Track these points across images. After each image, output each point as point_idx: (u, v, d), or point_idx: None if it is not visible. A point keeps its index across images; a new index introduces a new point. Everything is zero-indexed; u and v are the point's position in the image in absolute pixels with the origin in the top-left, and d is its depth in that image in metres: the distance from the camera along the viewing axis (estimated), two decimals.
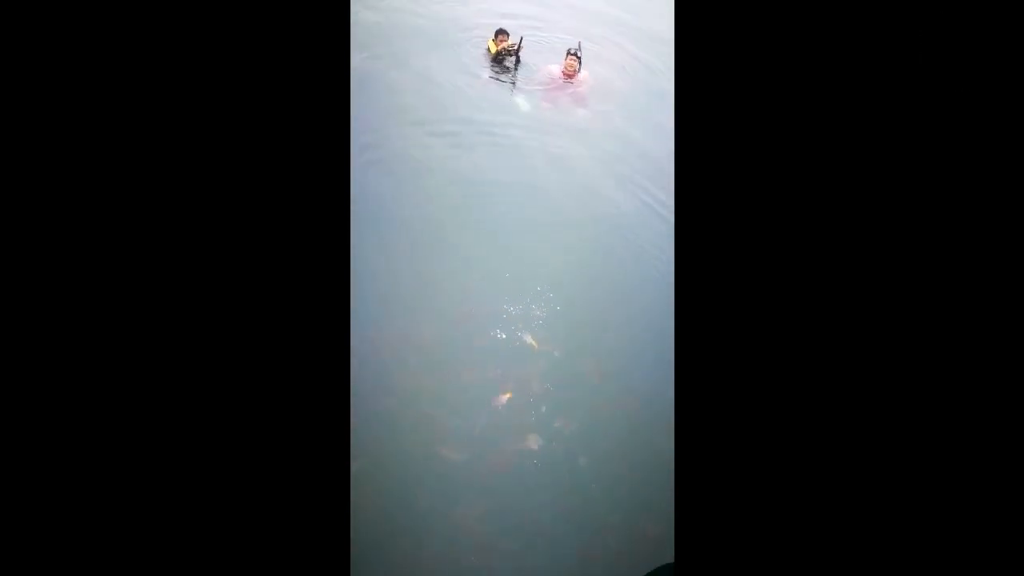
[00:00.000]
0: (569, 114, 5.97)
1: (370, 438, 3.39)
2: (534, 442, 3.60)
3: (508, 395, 3.78)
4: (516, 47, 6.02)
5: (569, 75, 6.03)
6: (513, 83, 5.98)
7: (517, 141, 5.50)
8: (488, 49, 6.17)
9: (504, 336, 4.04)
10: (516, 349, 4.00)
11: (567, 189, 5.14)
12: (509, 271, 4.40)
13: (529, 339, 4.04)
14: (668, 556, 3.07)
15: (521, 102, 5.90)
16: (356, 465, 2.95)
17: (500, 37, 6.11)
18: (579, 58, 5.99)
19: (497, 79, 6.05)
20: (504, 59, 6.09)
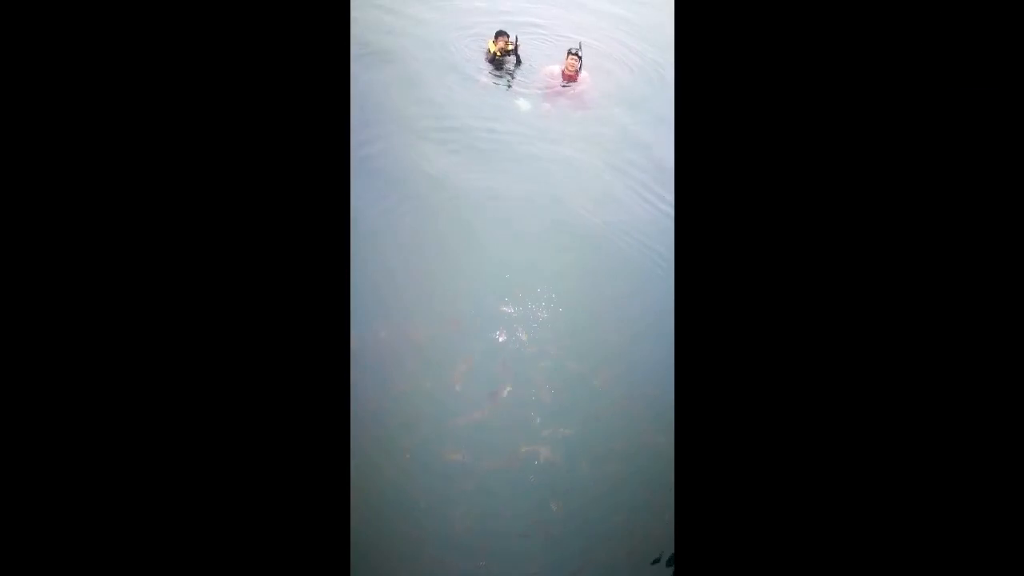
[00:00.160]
0: (570, 114, 5.96)
1: (369, 439, 3.40)
2: (534, 443, 3.60)
3: (507, 396, 3.78)
4: (514, 46, 6.02)
5: (570, 75, 6.02)
6: (508, 85, 5.98)
7: (517, 142, 5.49)
8: (488, 50, 6.17)
9: (503, 338, 4.04)
10: (516, 350, 4.00)
11: (567, 189, 5.13)
12: (509, 272, 4.40)
13: (529, 339, 4.04)
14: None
15: (522, 103, 5.90)
16: (355, 465, 2.95)
17: (500, 38, 6.10)
18: (580, 58, 5.98)
19: (496, 80, 6.05)
20: (504, 60, 6.09)
